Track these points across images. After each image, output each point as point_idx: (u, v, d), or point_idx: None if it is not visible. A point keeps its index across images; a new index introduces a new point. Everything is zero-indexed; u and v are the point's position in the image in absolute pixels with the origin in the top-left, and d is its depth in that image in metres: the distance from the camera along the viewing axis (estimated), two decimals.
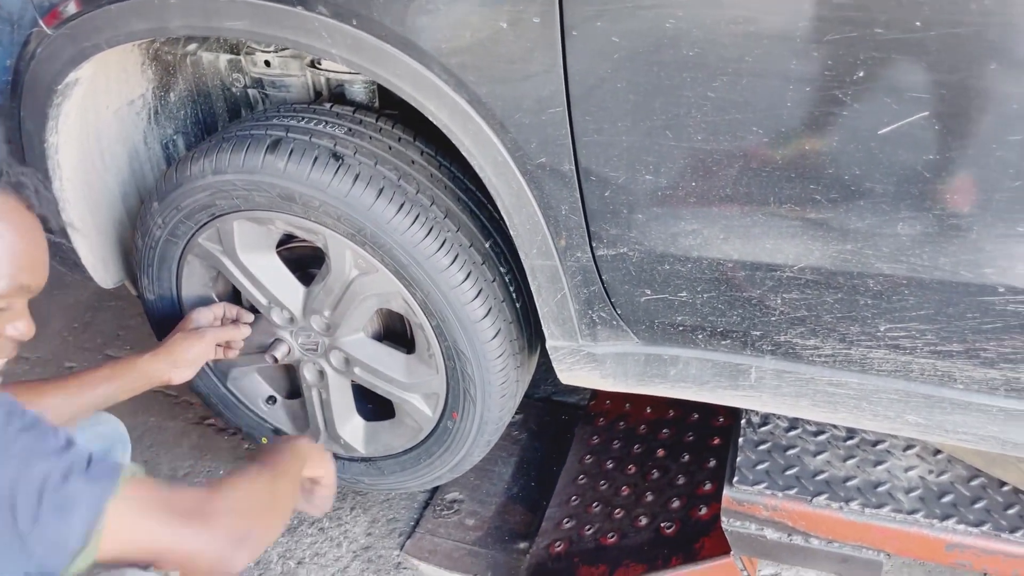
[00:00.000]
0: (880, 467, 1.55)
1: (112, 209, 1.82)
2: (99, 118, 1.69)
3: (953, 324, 1.25)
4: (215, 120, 1.90)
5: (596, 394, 2.29)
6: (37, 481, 0.95)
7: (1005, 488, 1.50)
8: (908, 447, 1.59)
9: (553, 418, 2.38)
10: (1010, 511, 1.45)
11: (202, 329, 1.67)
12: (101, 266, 1.87)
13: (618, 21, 1.11)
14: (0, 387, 1.34)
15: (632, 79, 1.16)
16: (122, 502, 1.00)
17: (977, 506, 1.47)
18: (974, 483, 1.51)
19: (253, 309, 1.81)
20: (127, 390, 1.54)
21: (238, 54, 1.74)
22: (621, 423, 2.13)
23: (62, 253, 1.79)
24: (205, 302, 1.85)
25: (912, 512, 1.46)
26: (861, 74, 1.05)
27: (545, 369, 1.73)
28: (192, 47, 1.76)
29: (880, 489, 1.50)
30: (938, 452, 1.58)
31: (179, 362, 1.61)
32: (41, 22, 1.47)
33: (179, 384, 1.65)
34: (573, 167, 1.28)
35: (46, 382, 1.47)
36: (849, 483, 1.52)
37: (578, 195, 1.31)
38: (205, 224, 1.66)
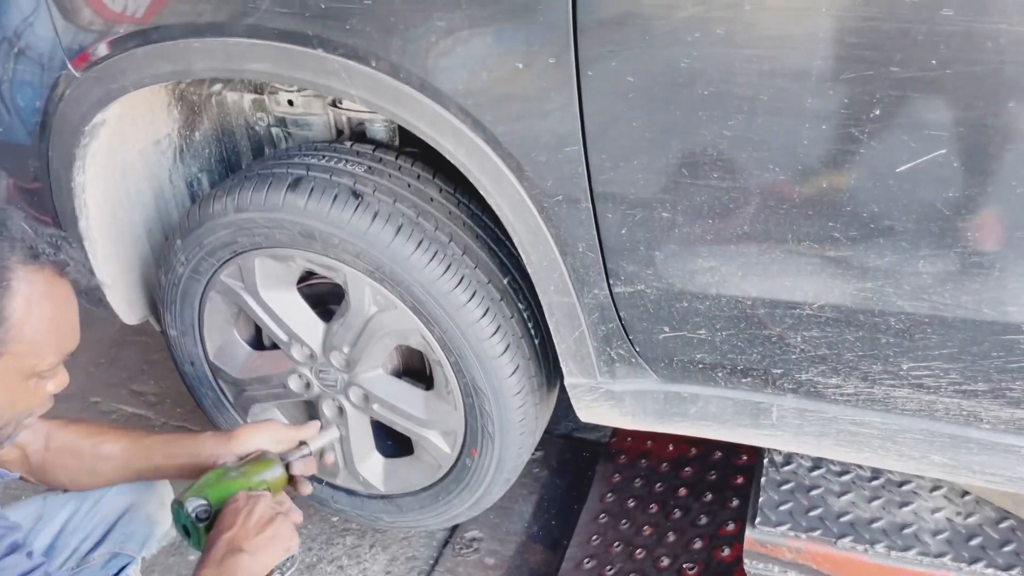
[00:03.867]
0: (906, 508, 1.52)
1: (137, 246, 1.85)
2: (126, 157, 1.72)
3: (977, 363, 1.23)
4: (239, 158, 1.93)
5: (617, 431, 2.26)
6: None
7: None
8: (935, 488, 1.56)
9: (574, 455, 2.36)
10: None
11: (271, 421, 1.53)
12: (126, 303, 1.89)
13: (633, 60, 1.12)
14: (67, 422, 1.42)
15: (648, 117, 1.16)
16: None
17: (1006, 549, 1.43)
18: (1003, 525, 1.47)
19: (273, 345, 1.82)
20: (178, 466, 1.44)
21: (262, 94, 1.77)
22: (643, 461, 2.10)
23: (88, 291, 1.81)
24: (227, 339, 1.86)
25: (939, 555, 1.42)
26: (878, 112, 1.05)
27: (566, 405, 1.72)
28: (217, 87, 1.79)
29: (906, 531, 1.47)
30: (966, 493, 1.54)
31: (236, 447, 1.43)
32: (70, 65, 1.50)
33: None
34: (590, 204, 1.28)
35: (109, 428, 1.47)
36: (874, 525, 1.49)
37: (595, 232, 1.31)
38: (227, 261, 1.68)
